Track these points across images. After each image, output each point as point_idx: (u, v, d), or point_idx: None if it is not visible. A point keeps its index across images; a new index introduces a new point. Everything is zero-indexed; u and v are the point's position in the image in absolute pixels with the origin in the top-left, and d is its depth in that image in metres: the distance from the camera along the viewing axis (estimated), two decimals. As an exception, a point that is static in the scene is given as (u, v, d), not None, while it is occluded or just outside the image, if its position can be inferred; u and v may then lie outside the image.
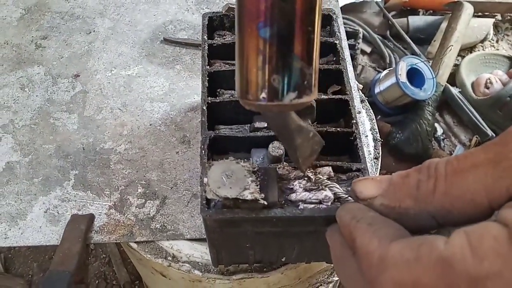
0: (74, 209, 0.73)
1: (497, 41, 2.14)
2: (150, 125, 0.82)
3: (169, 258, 0.69)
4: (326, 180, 0.48)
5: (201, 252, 0.69)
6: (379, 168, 0.79)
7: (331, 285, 0.85)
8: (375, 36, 2.04)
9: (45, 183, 0.76)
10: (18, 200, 0.74)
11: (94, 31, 0.97)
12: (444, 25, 1.98)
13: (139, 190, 0.74)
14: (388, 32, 2.10)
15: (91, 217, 0.71)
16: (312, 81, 0.37)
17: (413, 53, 1.97)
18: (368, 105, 0.87)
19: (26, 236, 0.71)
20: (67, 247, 0.67)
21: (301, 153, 0.44)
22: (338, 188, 0.46)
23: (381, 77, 1.82)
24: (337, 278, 0.84)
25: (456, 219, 0.31)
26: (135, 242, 0.70)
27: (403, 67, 1.69)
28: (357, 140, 0.54)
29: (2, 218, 0.72)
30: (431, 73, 1.72)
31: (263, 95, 0.37)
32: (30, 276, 1.50)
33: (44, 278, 0.63)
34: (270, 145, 0.54)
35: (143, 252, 0.69)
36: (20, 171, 0.77)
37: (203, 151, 0.53)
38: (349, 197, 0.38)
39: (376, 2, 2.08)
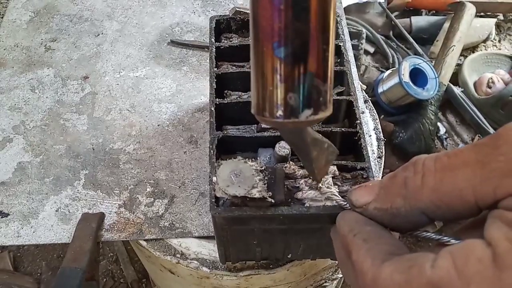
0: (84, 208, 0.74)
1: (499, 41, 2.15)
2: (158, 125, 0.84)
3: (178, 255, 0.70)
4: (326, 189, 0.49)
5: (209, 250, 0.70)
6: (382, 167, 0.80)
7: (335, 282, 0.86)
8: (378, 36, 2.05)
9: (56, 182, 0.77)
10: (30, 200, 0.76)
11: (102, 33, 0.99)
12: (446, 25, 1.99)
13: (148, 189, 0.76)
14: (391, 32, 2.11)
15: (101, 216, 0.72)
16: (327, 97, 0.37)
17: (416, 53, 1.98)
18: (372, 105, 0.88)
19: (38, 234, 0.72)
20: (78, 245, 0.68)
21: (317, 165, 0.45)
22: (337, 196, 0.48)
23: (384, 77, 1.84)
24: (341, 275, 0.85)
25: (446, 215, 0.31)
26: (144, 240, 0.71)
27: (406, 67, 1.71)
28: (361, 140, 0.56)
29: (15, 217, 0.74)
30: (434, 73, 1.74)
31: (280, 112, 0.37)
32: (39, 274, 1.52)
33: (57, 274, 0.65)
34: (277, 145, 0.56)
35: (152, 249, 0.71)
36: (32, 171, 0.79)
37: (211, 151, 0.54)
38: (347, 204, 0.40)
39: (379, 3, 2.09)
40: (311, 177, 0.51)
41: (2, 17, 1.04)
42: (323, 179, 0.50)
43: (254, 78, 0.38)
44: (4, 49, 0.96)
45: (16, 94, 0.89)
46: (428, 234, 0.35)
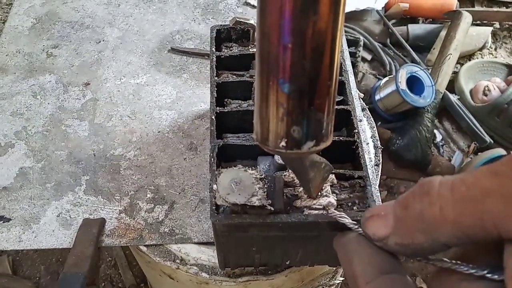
0: (85, 213, 0.75)
1: (495, 49, 2.17)
2: (159, 132, 0.85)
3: (177, 261, 0.71)
4: (334, 211, 0.49)
5: (208, 255, 0.71)
6: (379, 174, 0.81)
7: (333, 287, 0.87)
8: (376, 44, 2.07)
9: (57, 188, 0.78)
10: (32, 205, 0.76)
11: (103, 40, 1.00)
12: (443, 33, 2.01)
13: (148, 195, 0.77)
14: (388, 40, 2.13)
15: (102, 221, 0.73)
16: (329, 129, 0.38)
17: (413, 60, 2.00)
18: (369, 113, 0.90)
19: (39, 239, 0.73)
20: (80, 250, 0.69)
21: (313, 184, 0.46)
22: (347, 218, 0.47)
23: (381, 85, 1.85)
24: (338, 281, 0.86)
25: (466, 243, 0.30)
26: (144, 246, 0.72)
27: (403, 75, 1.72)
28: (359, 149, 0.57)
29: (16, 222, 0.75)
30: (431, 81, 1.75)
31: (283, 143, 0.37)
32: (37, 278, 1.53)
33: (59, 279, 0.65)
34: (276, 153, 0.57)
35: (152, 255, 0.72)
36: (33, 176, 0.80)
37: (212, 159, 0.55)
38: (359, 228, 0.39)
39: (377, 11, 2.11)
40: (306, 194, 0.52)
41: (4, 23, 1.05)
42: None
43: (258, 108, 0.38)
44: (6, 55, 0.97)
45: (18, 100, 0.90)
46: (446, 262, 0.33)
